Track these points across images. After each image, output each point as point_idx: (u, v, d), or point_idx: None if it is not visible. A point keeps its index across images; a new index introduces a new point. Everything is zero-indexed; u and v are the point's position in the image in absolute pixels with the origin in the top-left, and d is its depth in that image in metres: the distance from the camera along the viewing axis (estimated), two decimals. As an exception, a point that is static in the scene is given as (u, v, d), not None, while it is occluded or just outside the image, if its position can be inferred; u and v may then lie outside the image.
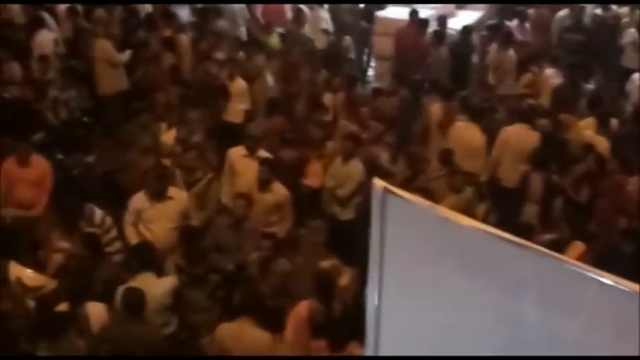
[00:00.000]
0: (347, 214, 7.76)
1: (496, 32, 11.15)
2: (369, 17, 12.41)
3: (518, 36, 11.44)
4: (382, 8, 12.86)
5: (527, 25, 11.70)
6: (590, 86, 10.33)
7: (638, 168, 7.72)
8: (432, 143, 8.90)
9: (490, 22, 12.20)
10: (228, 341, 5.55)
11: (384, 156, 8.46)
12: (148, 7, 11.73)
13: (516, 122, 8.47)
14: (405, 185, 6.88)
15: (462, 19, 12.41)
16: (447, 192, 7.63)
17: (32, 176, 7.51)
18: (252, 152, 7.68)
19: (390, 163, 8.41)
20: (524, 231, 6.05)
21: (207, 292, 6.31)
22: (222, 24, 11.32)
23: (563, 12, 11.79)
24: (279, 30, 11.43)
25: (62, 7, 11.13)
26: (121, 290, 5.71)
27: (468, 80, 11.01)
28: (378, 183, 2.50)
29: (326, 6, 12.50)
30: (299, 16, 11.54)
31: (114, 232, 6.96)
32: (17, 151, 7.54)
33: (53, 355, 5.40)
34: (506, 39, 10.75)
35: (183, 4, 11.84)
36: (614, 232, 7.20)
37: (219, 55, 10.09)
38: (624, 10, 11.83)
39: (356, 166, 7.78)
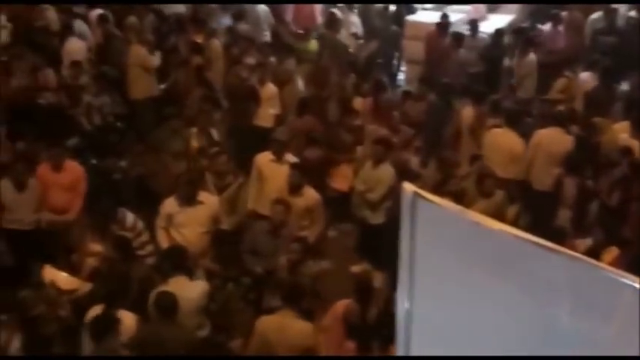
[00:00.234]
0: (377, 219, 7.75)
1: (519, 36, 11.08)
2: (400, 21, 12.40)
3: (551, 39, 11.36)
4: (413, 12, 12.84)
5: (561, 28, 11.58)
6: (625, 89, 10.20)
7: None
8: (462, 148, 8.86)
9: (521, 25, 12.13)
10: (271, 334, 5.55)
11: (414, 160, 8.44)
12: (178, 11, 11.85)
13: (549, 126, 8.39)
14: (436, 189, 6.84)
15: (494, 22, 12.34)
16: (477, 196, 7.59)
17: (66, 181, 7.61)
18: (279, 157, 7.69)
19: (421, 168, 8.38)
20: (557, 236, 5.99)
21: (239, 294, 6.35)
22: (244, 27, 11.39)
23: (596, 14, 11.66)
24: (315, 35, 11.49)
25: (94, 14, 11.27)
26: (153, 294, 5.75)
27: (499, 84, 10.94)
28: (408, 187, 2.49)
29: (356, 10, 12.53)
30: (334, 21, 11.58)
31: (145, 236, 7.02)
32: (51, 156, 7.65)
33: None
34: (527, 42, 10.71)
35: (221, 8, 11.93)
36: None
37: (250, 60, 10.15)
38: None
39: (386, 171, 7.77)
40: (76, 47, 10.17)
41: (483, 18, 12.56)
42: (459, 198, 6.82)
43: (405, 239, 2.49)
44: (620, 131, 8.46)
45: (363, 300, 5.80)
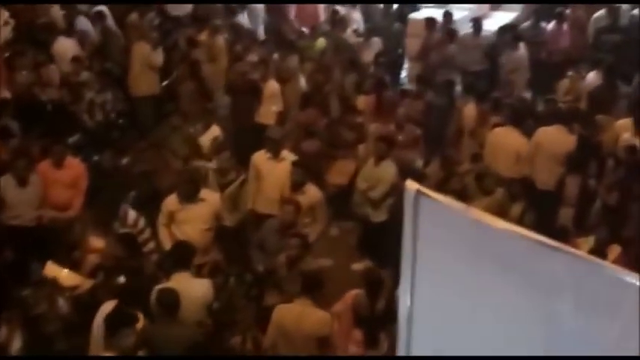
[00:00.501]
0: (379, 216, 7.74)
1: (509, 31, 11.09)
2: (403, 19, 12.38)
3: (555, 38, 11.35)
4: (416, 10, 12.82)
5: (565, 26, 11.56)
6: (628, 87, 10.17)
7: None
8: (464, 146, 8.84)
9: (523, 22, 12.12)
10: (289, 323, 5.59)
11: (416, 158, 8.42)
12: (181, 10, 11.86)
13: (552, 124, 8.37)
14: (438, 187, 6.84)
15: (497, 20, 12.31)
16: (478, 193, 7.58)
17: (67, 178, 7.61)
18: (275, 155, 7.65)
19: (423, 165, 8.37)
20: (560, 234, 5.98)
21: (242, 291, 6.35)
22: (240, 21, 11.44)
23: (599, 13, 11.63)
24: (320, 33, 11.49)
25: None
26: (155, 291, 5.74)
27: (499, 82, 10.93)
28: (411, 185, 2.48)
29: (359, 7, 12.51)
30: (340, 19, 11.56)
31: (147, 233, 7.02)
32: (53, 153, 7.64)
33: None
34: (516, 37, 10.76)
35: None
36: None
37: (253, 57, 10.14)
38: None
39: (388, 168, 7.75)
40: (64, 47, 10.05)
41: (486, 16, 12.54)
42: (461, 196, 6.80)
43: (408, 237, 2.49)
44: (623, 129, 8.43)
45: (371, 291, 5.87)
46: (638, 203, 7.43)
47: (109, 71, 9.95)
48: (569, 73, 10.21)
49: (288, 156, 7.71)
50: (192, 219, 6.87)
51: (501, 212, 6.69)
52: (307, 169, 7.48)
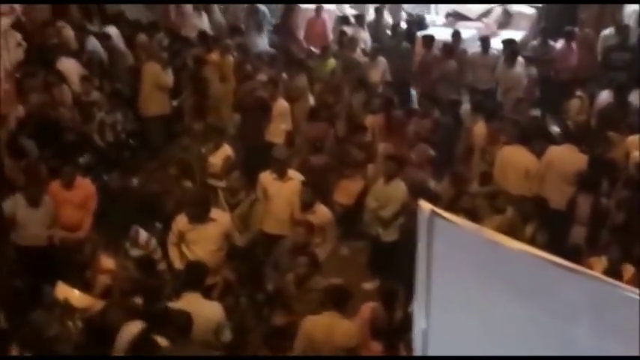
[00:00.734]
0: (390, 236, 7.72)
1: (507, 46, 11.11)
2: (411, 38, 12.42)
3: (563, 57, 11.36)
4: (424, 28, 12.87)
5: (573, 45, 11.55)
6: (638, 104, 10.13)
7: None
8: (474, 164, 8.83)
9: (530, 40, 12.13)
10: (318, 334, 5.69)
11: (427, 177, 8.40)
12: (190, 30, 11.96)
13: (562, 143, 8.35)
14: (449, 206, 6.82)
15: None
16: (490, 212, 7.56)
17: (77, 198, 7.61)
18: (281, 175, 7.64)
19: (433, 184, 8.34)
20: (572, 254, 5.95)
21: (253, 311, 6.33)
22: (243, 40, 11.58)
23: (608, 31, 11.64)
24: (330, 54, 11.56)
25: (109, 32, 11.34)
26: (168, 312, 5.71)
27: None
28: (425, 205, 2.47)
29: (366, 27, 12.56)
30: (350, 40, 11.61)
31: (159, 254, 7.02)
32: (63, 173, 7.66)
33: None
34: (513, 53, 10.77)
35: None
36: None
37: (262, 76, 10.18)
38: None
39: (398, 187, 7.74)
40: (66, 67, 10.05)
41: (494, 34, 12.56)
42: (472, 214, 6.78)
43: (422, 258, 2.48)
44: (633, 146, 8.39)
45: (387, 303, 5.95)
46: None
47: (119, 92, 10.00)
48: (578, 93, 10.19)
49: (295, 175, 7.71)
50: (202, 239, 6.85)
51: (513, 231, 6.66)
52: (315, 187, 7.48)
